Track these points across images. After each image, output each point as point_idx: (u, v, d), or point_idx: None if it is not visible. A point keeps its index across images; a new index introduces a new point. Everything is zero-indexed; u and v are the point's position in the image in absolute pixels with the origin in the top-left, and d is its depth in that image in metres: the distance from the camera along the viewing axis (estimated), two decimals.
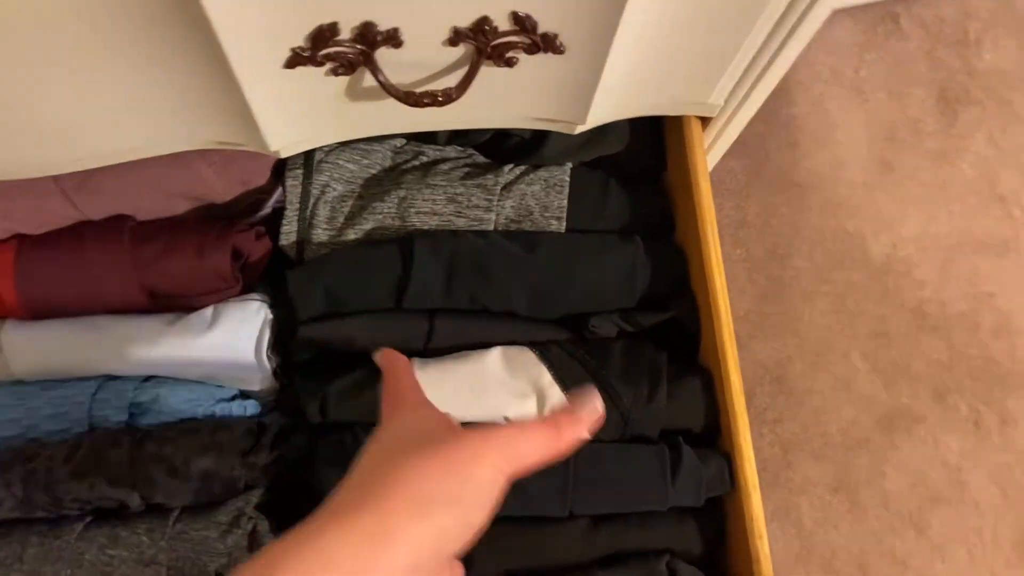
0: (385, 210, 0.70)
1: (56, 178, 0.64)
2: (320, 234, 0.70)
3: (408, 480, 0.33)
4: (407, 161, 0.73)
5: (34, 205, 0.64)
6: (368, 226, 0.70)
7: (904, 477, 1.15)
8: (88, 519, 0.64)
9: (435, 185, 0.69)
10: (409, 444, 0.36)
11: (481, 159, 0.73)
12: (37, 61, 0.46)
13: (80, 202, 0.65)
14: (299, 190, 0.70)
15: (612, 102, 0.60)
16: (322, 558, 0.31)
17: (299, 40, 0.48)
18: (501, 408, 0.66)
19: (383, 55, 0.50)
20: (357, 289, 0.68)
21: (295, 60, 0.50)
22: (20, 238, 0.65)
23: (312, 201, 0.70)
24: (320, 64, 0.50)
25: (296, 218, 0.70)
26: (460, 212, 0.70)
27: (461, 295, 0.68)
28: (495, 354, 0.68)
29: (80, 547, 0.62)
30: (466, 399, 0.66)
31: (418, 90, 0.52)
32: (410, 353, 0.68)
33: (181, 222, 0.69)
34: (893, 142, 1.28)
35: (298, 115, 0.56)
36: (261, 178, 0.70)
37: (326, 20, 0.47)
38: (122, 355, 0.65)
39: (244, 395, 0.71)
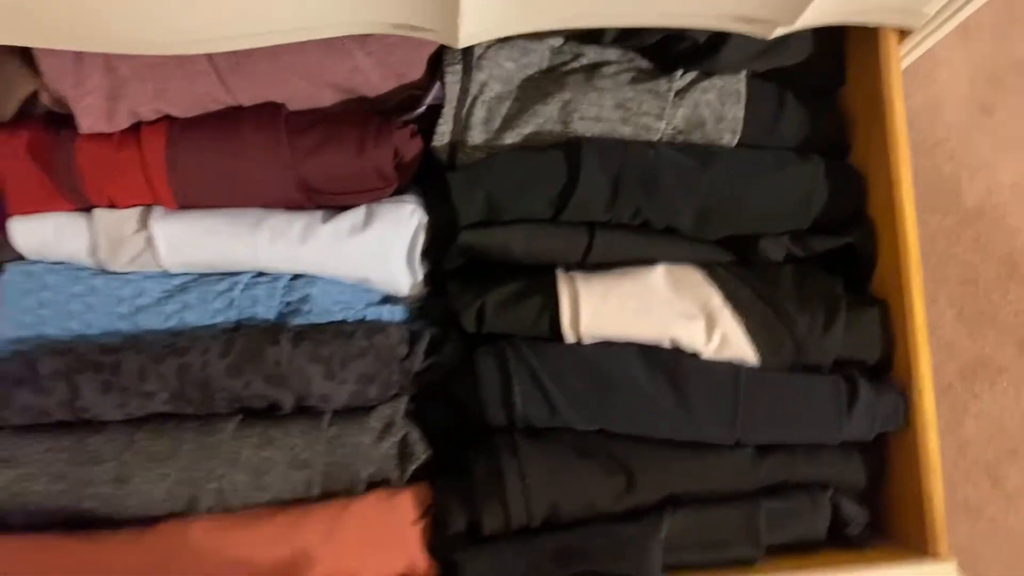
0: (547, 114, 0.65)
1: (210, 57, 0.60)
2: (475, 136, 0.66)
3: None
4: (566, 63, 0.68)
5: (187, 85, 0.60)
6: (527, 130, 0.66)
7: (983, 427, 1.13)
8: (239, 418, 0.61)
9: (602, 89, 0.65)
10: None
11: (645, 63, 0.69)
12: None
13: (232, 84, 0.61)
14: (457, 87, 0.65)
15: (828, 2, 0.55)
16: None
17: None
18: (668, 328, 0.63)
19: None
20: (519, 196, 0.64)
21: None
22: (170, 123, 0.61)
23: (469, 100, 0.66)
24: None
25: (452, 117, 0.66)
26: (627, 119, 0.65)
27: (625, 208, 0.64)
28: (659, 272, 0.65)
29: (235, 446, 0.60)
30: (631, 317, 0.63)
31: None
32: (567, 266, 0.65)
33: (334, 115, 0.64)
34: (995, 84, 1.22)
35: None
36: (417, 72, 0.65)
37: None
38: (273, 251, 0.62)
39: (388, 301, 0.68)
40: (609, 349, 0.63)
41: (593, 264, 0.66)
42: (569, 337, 0.63)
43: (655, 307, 0.63)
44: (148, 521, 0.61)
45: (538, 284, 0.64)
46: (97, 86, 0.58)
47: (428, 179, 0.68)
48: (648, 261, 0.66)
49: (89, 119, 0.59)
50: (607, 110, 0.65)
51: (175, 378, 0.58)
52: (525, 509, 0.60)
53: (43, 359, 0.58)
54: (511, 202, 0.64)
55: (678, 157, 0.64)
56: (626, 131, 0.66)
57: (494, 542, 0.61)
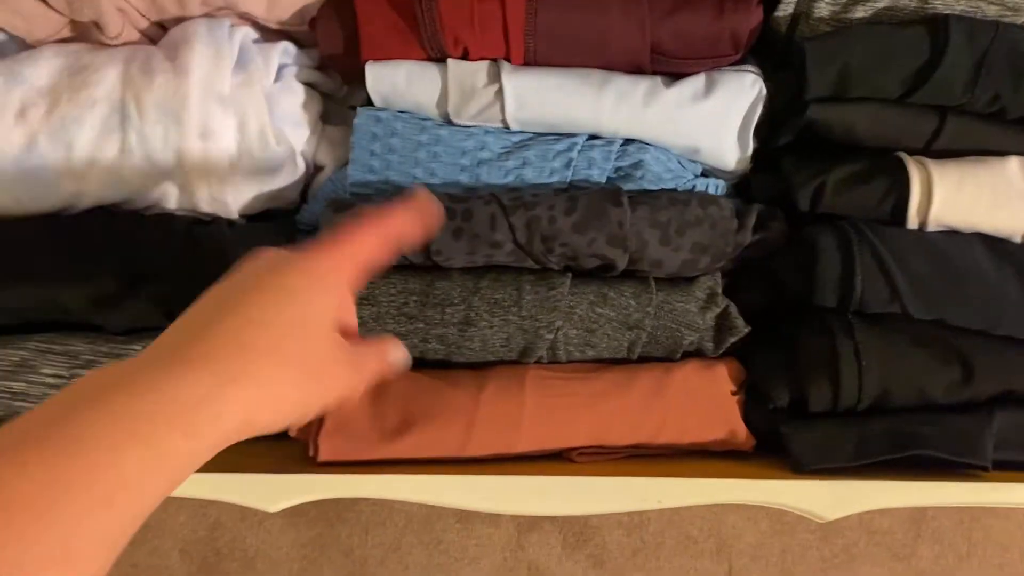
0: None
1: None
2: (822, 8, 0.63)
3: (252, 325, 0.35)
4: None
5: None
6: (880, 4, 0.63)
7: None
8: (570, 274, 0.62)
9: None
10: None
11: None
12: None
13: None
14: None
15: None
16: (158, 398, 0.32)
17: None
18: (1022, 223, 0.60)
19: None
20: (873, 72, 0.61)
21: None
22: None
23: None
24: None
25: None
26: None
27: (984, 93, 0.61)
28: (1014, 164, 0.62)
29: (572, 300, 0.61)
30: (985, 208, 0.61)
31: None
32: (908, 151, 0.62)
33: None
34: None
35: None
36: None
37: None
38: (617, 113, 0.62)
39: (710, 174, 0.68)
40: (955, 237, 0.61)
41: (937, 151, 0.63)
42: (914, 223, 0.61)
43: (1011, 200, 0.60)
44: (482, 366, 0.63)
45: (885, 165, 0.62)
46: None
47: (765, 51, 0.66)
48: (996, 153, 0.63)
49: None
50: None
51: (524, 230, 0.59)
52: (857, 390, 0.60)
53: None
54: (865, 77, 0.61)
55: None
56: (991, 11, 0.62)
57: (820, 418, 0.61)
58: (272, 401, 0.35)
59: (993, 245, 0.61)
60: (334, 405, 0.38)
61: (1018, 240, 0.61)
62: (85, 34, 0.66)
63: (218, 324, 0.35)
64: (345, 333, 0.40)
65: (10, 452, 0.29)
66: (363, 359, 0.41)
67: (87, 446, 0.29)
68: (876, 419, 0.60)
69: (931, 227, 0.61)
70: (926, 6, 0.62)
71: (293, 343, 0.36)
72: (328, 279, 0.39)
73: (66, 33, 0.66)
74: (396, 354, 0.45)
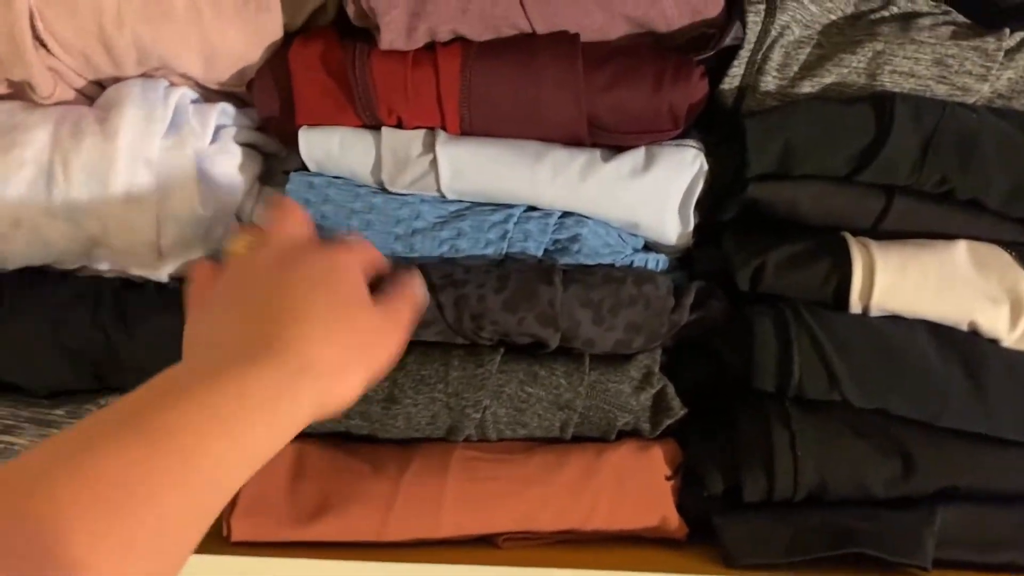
0: (853, 64, 0.60)
1: None
2: (768, 82, 0.62)
3: (293, 315, 0.38)
4: (874, 11, 0.62)
5: (489, 6, 0.58)
6: (828, 80, 0.61)
7: None
8: (502, 350, 0.60)
9: (921, 42, 0.59)
10: (275, 293, 0.40)
11: (961, 19, 0.62)
12: None
13: (532, 9, 0.59)
14: (759, 28, 0.61)
15: None
16: (251, 390, 0.34)
17: None
18: (969, 310, 0.58)
19: None
20: (817, 150, 0.60)
21: None
22: (465, 45, 0.60)
23: (768, 43, 0.61)
24: None
25: (747, 60, 0.62)
26: (945, 77, 0.60)
27: (932, 174, 0.59)
28: (962, 248, 0.60)
29: (501, 379, 0.60)
30: (930, 293, 0.59)
31: None
32: (854, 231, 0.60)
33: (628, 49, 0.61)
34: None
35: None
36: (715, 9, 0.61)
37: None
38: (554, 187, 0.61)
39: (651, 248, 0.66)
40: (899, 324, 0.59)
41: (884, 232, 0.61)
42: (856, 307, 0.59)
43: (956, 286, 0.58)
44: (409, 443, 0.61)
45: (827, 247, 0.60)
46: (403, 0, 0.57)
47: (709, 124, 0.65)
48: (945, 235, 0.61)
49: (390, 34, 0.58)
50: (923, 65, 0.60)
51: (452, 308, 0.58)
52: (792, 482, 0.57)
53: None
54: (808, 155, 0.60)
55: (1002, 125, 0.58)
56: (941, 90, 0.60)
57: (754, 509, 0.58)
58: (339, 384, 0.38)
59: (938, 333, 0.59)
60: (390, 365, 0.43)
61: (964, 328, 0.59)
62: (22, 92, 0.65)
63: (273, 321, 0.38)
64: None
65: (111, 435, 0.31)
66: (398, 314, 0.46)
67: (179, 435, 0.32)
68: (812, 512, 0.58)
69: (874, 312, 0.59)
70: (874, 83, 0.61)
71: (345, 325, 0.39)
72: (342, 254, 0.44)
73: (2, 90, 0.65)
74: (418, 289, 0.50)
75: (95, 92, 0.67)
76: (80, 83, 0.65)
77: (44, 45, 0.60)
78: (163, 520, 0.30)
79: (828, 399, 0.58)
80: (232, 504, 0.57)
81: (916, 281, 0.58)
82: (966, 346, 0.58)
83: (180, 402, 0.33)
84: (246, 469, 0.34)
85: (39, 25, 0.59)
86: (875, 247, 0.59)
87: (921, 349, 0.58)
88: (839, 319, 0.58)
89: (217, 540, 0.57)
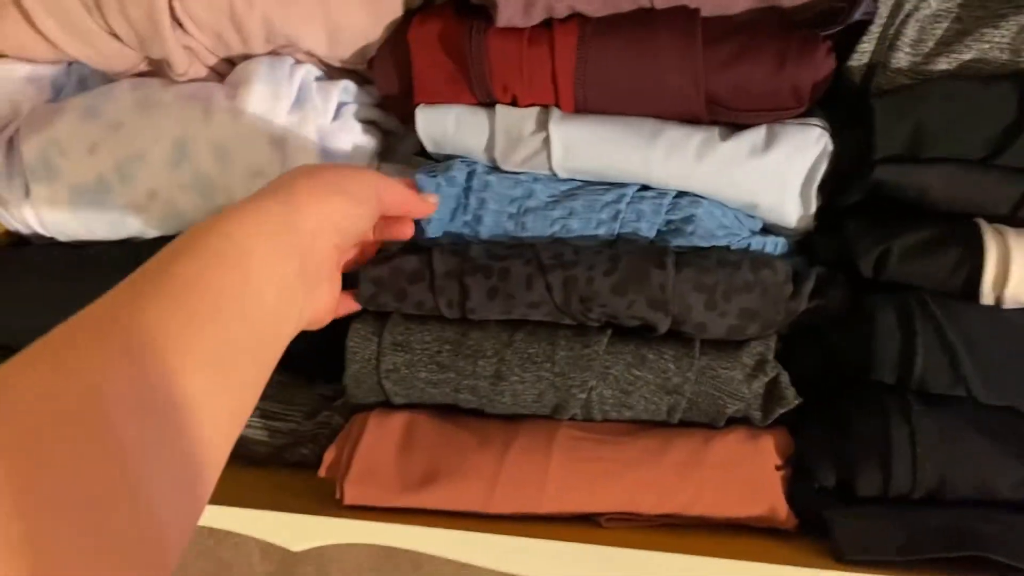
0: (996, 38, 0.56)
1: None
2: (901, 58, 0.58)
3: (308, 176, 0.48)
4: None
5: None
6: (967, 56, 0.57)
7: None
8: (610, 331, 0.60)
9: None
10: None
11: None
12: None
13: None
14: (892, 1, 0.58)
15: None
16: (259, 214, 0.43)
17: None
18: None
19: None
20: (951, 131, 0.56)
21: None
22: (582, 22, 0.59)
23: (902, 16, 0.58)
24: None
25: (879, 35, 0.58)
26: None
27: None
28: None
29: (607, 360, 0.59)
30: None
31: None
32: (989, 218, 0.56)
33: (751, 24, 0.59)
34: None
35: None
36: None
37: None
38: (667, 166, 0.59)
39: (770, 231, 0.64)
40: None
41: (1021, 220, 0.57)
42: (988, 299, 0.56)
43: None
44: (514, 419, 0.62)
45: (958, 233, 0.57)
46: None
47: (836, 101, 0.62)
48: None
49: (508, 11, 0.58)
50: None
51: (561, 290, 0.58)
52: (911, 479, 0.55)
53: (438, 258, 0.59)
54: (940, 138, 0.56)
55: None
56: None
57: (868, 505, 0.56)
58: (333, 213, 0.48)
59: None
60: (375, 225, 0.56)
61: None
62: (161, 69, 0.69)
63: (289, 184, 0.48)
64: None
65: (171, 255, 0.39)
66: (392, 186, 0.55)
67: (229, 251, 0.40)
68: (930, 511, 0.55)
69: (1008, 304, 0.56)
70: (1019, 60, 0.57)
71: (342, 183, 0.49)
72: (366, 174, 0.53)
73: (143, 67, 0.69)
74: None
75: (226, 69, 0.70)
76: (212, 60, 0.68)
77: (181, 25, 0.63)
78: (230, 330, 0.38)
79: (952, 393, 0.55)
80: (345, 469, 0.59)
81: None
82: None
83: (224, 223, 0.42)
84: (277, 286, 0.42)
85: (176, 6, 0.62)
86: (1012, 235, 0.55)
87: None
88: (968, 310, 0.55)
89: (332, 504, 0.60)
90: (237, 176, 0.63)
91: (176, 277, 0.37)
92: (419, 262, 0.61)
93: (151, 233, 0.67)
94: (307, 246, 0.45)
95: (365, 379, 0.61)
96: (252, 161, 0.63)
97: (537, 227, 0.62)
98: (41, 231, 0.68)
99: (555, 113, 0.61)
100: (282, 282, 0.42)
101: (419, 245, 0.63)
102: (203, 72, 0.68)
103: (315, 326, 0.52)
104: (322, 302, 0.51)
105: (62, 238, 0.68)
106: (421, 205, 0.59)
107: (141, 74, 0.71)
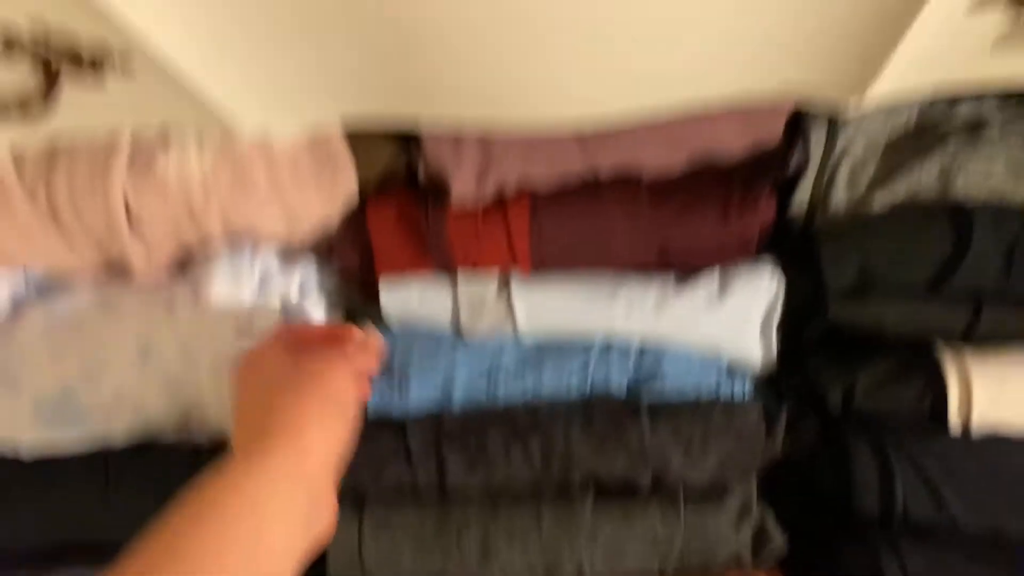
0: (923, 176, 0.60)
1: (577, 131, 0.59)
2: (838, 199, 0.62)
3: (299, 411, 0.46)
4: (939, 121, 0.62)
5: (552, 155, 0.60)
6: (899, 193, 0.61)
7: None
8: (592, 492, 0.60)
9: (991, 150, 0.59)
10: (283, 389, 0.47)
11: None
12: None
13: (594, 153, 0.60)
14: (822, 148, 0.61)
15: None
16: (270, 468, 0.42)
17: None
18: None
19: None
20: (896, 266, 0.59)
21: None
22: (532, 193, 0.61)
23: (833, 161, 0.61)
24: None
25: (814, 179, 0.62)
26: (1021, 184, 0.58)
27: (1018, 282, 0.57)
28: None
29: (595, 523, 0.59)
30: None
31: None
32: (944, 344, 0.58)
33: (693, 180, 0.62)
34: None
35: (919, 57, 0.47)
36: (775, 134, 0.62)
37: None
38: (629, 319, 0.61)
39: (736, 373, 0.65)
40: (1006, 443, 0.57)
41: (975, 342, 0.60)
42: (955, 425, 0.57)
43: None
44: None
45: (918, 363, 0.59)
46: (471, 161, 0.59)
47: (781, 244, 0.64)
48: None
49: (462, 189, 0.60)
50: (998, 171, 0.59)
51: (539, 453, 0.58)
52: None
53: (412, 432, 0.59)
54: (887, 272, 0.59)
55: None
56: (1018, 196, 0.59)
57: None
58: (337, 442, 0.47)
59: None
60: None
61: None
62: (118, 269, 0.69)
63: (298, 423, 0.46)
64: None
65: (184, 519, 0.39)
66: (350, 359, 0.51)
67: (244, 512, 0.40)
68: None
69: (976, 428, 0.57)
70: (948, 192, 0.60)
71: (335, 396, 0.48)
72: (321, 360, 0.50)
73: (100, 269, 0.69)
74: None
75: (187, 261, 0.70)
76: (172, 255, 0.68)
77: (137, 224, 0.64)
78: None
79: (936, 523, 0.56)
80: None
81: (1018, 393, 0.56)
82: None
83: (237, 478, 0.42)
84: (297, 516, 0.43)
85: (132, 205, 0.63)
86: (971, 359, 0.57)
87: None
88: (940, 439, 0.57)
89: None
90: (204, 371, 0.63)
91: (190, 553, 0.38)
92: (393, 437, 0.61)
93: (118, 439, 0.66)
94: (316, 487, 0.45)
95: (347, 567, 0.60)
96: (218, 355, 0.63)
97: (509, 392, 0.62)
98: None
99: (515, 279, 0.63)
100: (292, 535, 0.42)
101: (392, 419, 0.62)
102: (163, 267, 0.69)
103: (320, 544, 0.50)
104: (325, 522, 0.49)
105: (26, 455, 0.66)
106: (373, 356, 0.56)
107: (102, 275, 0.70)
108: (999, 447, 0.56)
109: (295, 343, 0.52)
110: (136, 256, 0.65)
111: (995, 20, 0.43)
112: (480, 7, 0.41)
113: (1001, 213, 0.57)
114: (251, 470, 0.42)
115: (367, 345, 0.55)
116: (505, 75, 0.47)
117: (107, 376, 0.63)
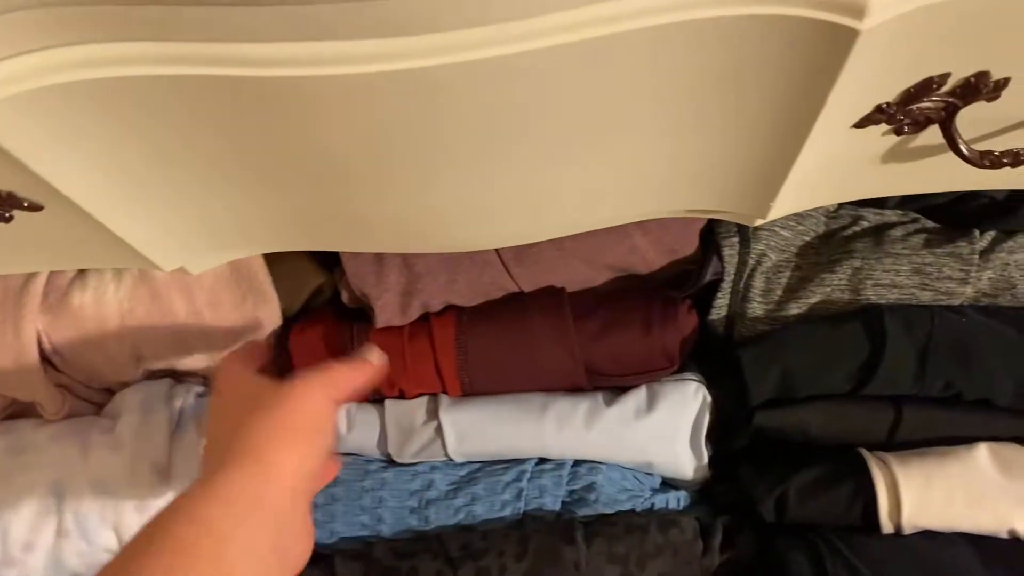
0: (835, 282, 0.62)
1: (498, 249, 0.60)
2: (755, 308, 0.63)
3: (265, 434, 0.44)
4: (846, 227, 0.65)
5: (476, 276, 0.61)
6: (813, 299, 0.62)
7: None
8: None
9: (896, 254, 0.61)
10: (251, 411, 0.45)
11: (930, 224, 0.64)
12: (538, 137, 0.41)
13: (517, 272, 0.61)
14: (736, 260, 0.63)
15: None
16: (229, 493, 0.40)
17: (892, 95, 0.41)
18: (1006, 518, 0.56)
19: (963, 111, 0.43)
20: (816, 372, 0.60)
21: (871, 118, 0.43)
22: (458, 313, 0.62)
23: (748, 271, 0.63)
24: (892, 121, 0.43)
25: (730, 290, 0.63)
26: (927, 284, 0.61)
27: (935, 381, 0.59)
28: (983, 452, 0.58)
29: None
30: (963, 506, 0.57)
31: (996, 150, 0.44)
32: (870, 446, 0.59)
33: (614, 295, 0.63)
34: None
35: (817, 178, 0.49)
36: (690, 247, 0.64)
37: (938, 71, 0.40)
38: (560, 436, 0.61)
39: (669, 485, 0.65)
40: (937, 539, 0.57)
41: (901, 442, 0.60)
42: (887, 528, 0.57)
43: (987, 494, 0.57)
44: None
45: (847, 468, 0.59)
46: (395, 283, 0.59)
47: (705, 354, 0.65)
48: (962, 438, 0.60)
49: (386, 314, 0.60)
50: (904, 276, 0.61)
51: None
52: None
53: (340, 566, 0.57)
54: (807, 379, 0.60)
55: (992, 324, 0.59)
56: (926, 297, 0.61)
57: None
58: (306, 461, 0.44)
59: (981, 545, 0.56)
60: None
61: (1004, 536, 0.56)
62: (30, 409, 0.67)
63: (255, 447, 0.43)
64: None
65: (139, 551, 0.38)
66: (331, 380, 0.48)
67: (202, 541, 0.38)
68: None
69: (907, 530, 0.57)
70: (859, 298, 0.62)
71: (301, 419, 0.45)
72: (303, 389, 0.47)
73: (10, 410, 0.67)
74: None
75: (103, 399, 0.68)
76: (87, 393, 0.66)
77: (52, 364, 0.62)
78: None
79: None
80: None
81: (944, 494, 0.56)
82: (1011, 556, 0.56)
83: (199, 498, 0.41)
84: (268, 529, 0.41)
85: (46, 346, 0.61)
86: (895, 463, 0.58)
87: (966, 565, 0.55)
88: (874, 543, 0.57)
89: None
90: (124, 514, 0.60)
91: None
92: (321, 571, 0.58)
93: None
94: (283, 513, 0.42)
95: None
96: (137, 494, 0.60)
97: (441, 517, 0.61)
98: None
99: (443, 401, 0.62)
100: (258, 564, 0.40)
101: (319, 552, 0.60)
102: (79, 405, 0.67)
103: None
104: (299, 551, 0.46)
105: None
106: (370, 373, 0.52)
107: (9, 417, 0.68)
108: (930, 544, 0.56)
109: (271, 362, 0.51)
110: (49, 399, 0.63)
111: (877, 139, 0.46)
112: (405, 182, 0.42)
113: (911, 315, 0.59)
114: (206, 498, 0.40)
115: (357, 366, 0.51)
116: (438, 220, 0.48)
117: (14, 525, 0.60)
